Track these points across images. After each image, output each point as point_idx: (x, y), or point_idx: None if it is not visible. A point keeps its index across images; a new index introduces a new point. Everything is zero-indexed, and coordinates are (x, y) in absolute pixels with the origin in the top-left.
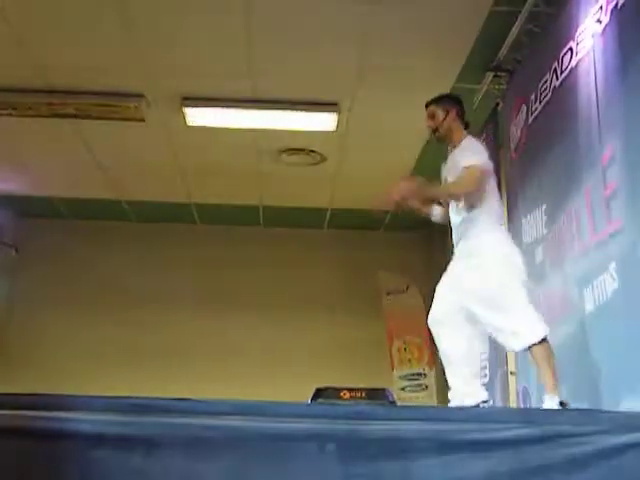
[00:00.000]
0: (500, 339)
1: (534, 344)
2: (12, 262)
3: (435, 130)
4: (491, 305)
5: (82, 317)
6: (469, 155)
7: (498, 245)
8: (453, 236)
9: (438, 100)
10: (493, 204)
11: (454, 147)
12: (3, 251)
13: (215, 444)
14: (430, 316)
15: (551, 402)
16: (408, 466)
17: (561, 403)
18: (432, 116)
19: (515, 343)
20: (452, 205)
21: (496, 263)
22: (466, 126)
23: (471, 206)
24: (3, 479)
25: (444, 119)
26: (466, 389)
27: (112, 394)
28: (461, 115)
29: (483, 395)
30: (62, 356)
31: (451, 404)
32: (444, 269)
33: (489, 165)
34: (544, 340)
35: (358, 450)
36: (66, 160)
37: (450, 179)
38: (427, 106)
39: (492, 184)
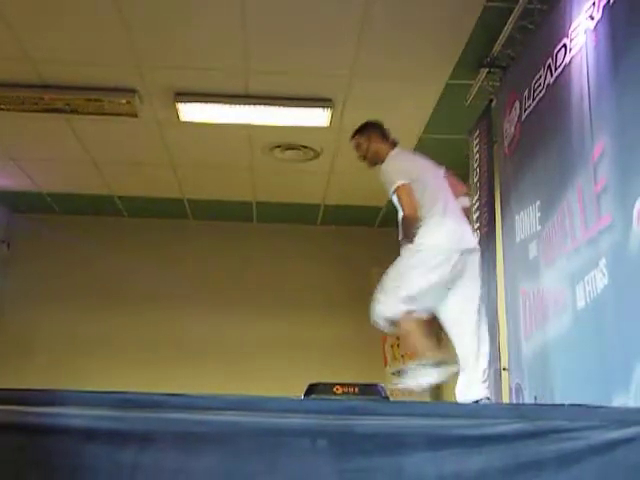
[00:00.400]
0: None
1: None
2: (4, 257)
3: (364, 158)
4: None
5: (74, 312)
6: (387, 182)
7: (422, 234)
8: None
9: (358, 131)
10: (426, 201)
11: None
12: None
13: (207, 439)
14: None
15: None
16: (401, 461)
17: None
18: (357, 147)
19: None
20: None
21: (409, 248)
22: (393, 144)
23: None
24: None
25: (368, 146)
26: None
27: (106, 389)
28: (383, 136)
29: (485, 392)
30: (55, 351)
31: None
32: None
33: (408, 174)
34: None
35: (351, 445)
36: (58, 155)
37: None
38: (352, 139)
39: (421, 184)
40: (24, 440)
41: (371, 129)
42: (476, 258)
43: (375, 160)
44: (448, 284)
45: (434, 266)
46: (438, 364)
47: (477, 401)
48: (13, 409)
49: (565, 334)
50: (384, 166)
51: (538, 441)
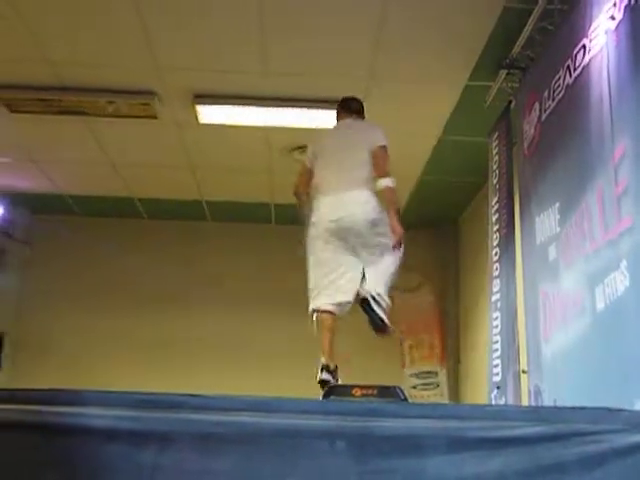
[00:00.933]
0: None
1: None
2: (25, 259)
3: None
4: None
5: (94, 313)
6: None
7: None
8: None
9: None
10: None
11: None
12: (17, 248)
13: (227, 440)
14: None
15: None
16: (420, 463)
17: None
18: None
19: None
20: None
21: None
22: (340, 116)
23: None
24: (15, 474)
25: None
26: None
27: (125, 388)
28: (339, 109)
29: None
30: (74, 351)
31: None
32: (456, 267)
33: (312, 151)
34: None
35: (370, 447)
36: (78, 157)
37: None
38: None
39: (322, 160)
40: (43, 440)
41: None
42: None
43: None
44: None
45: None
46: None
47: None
48: (33, 409)
49: (585, 336)
50: None
51: (560, 444)
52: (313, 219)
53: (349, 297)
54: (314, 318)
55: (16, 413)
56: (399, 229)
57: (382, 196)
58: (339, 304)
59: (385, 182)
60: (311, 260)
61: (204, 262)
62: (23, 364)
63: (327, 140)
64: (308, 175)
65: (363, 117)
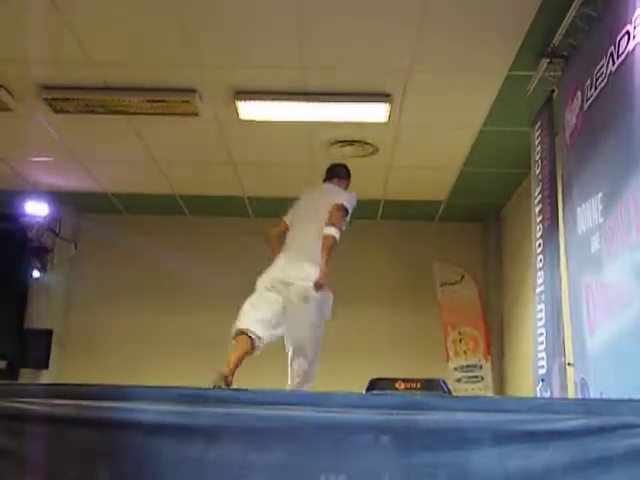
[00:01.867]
0: None
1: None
2: (71, 257)
3: None
4: None
5: (138, 309)
6: None
7: None
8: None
9: None
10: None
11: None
12: (63, 247)
13: (272, 434)
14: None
15: None
16: (466, 456)
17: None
18: None
19: None
20: None
21: None
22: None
23: None
24: (70, 466)
25: None
26: None
27: (171, 382)
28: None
29: None
30: (120, 348)
31: None
32: (499, 259)
33: (290, 211)
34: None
35: (414, 441)
36: (121, 156)
37: None
38: None
39: (294, 221)
40: (95, 434)
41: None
42: (296, 291)
43: None
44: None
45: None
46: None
47: None
48: (84, 404)
49: (632, 328)
50: None
51: (606, 437)
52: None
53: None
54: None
55: (67, 408)
56: (322, 277)
57: (323, 241)
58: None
59: (330, 230)
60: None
61: (246, 258)
62: (70, 361)
63: (301, 201)
64: (282, 227)
65: (345, 182)
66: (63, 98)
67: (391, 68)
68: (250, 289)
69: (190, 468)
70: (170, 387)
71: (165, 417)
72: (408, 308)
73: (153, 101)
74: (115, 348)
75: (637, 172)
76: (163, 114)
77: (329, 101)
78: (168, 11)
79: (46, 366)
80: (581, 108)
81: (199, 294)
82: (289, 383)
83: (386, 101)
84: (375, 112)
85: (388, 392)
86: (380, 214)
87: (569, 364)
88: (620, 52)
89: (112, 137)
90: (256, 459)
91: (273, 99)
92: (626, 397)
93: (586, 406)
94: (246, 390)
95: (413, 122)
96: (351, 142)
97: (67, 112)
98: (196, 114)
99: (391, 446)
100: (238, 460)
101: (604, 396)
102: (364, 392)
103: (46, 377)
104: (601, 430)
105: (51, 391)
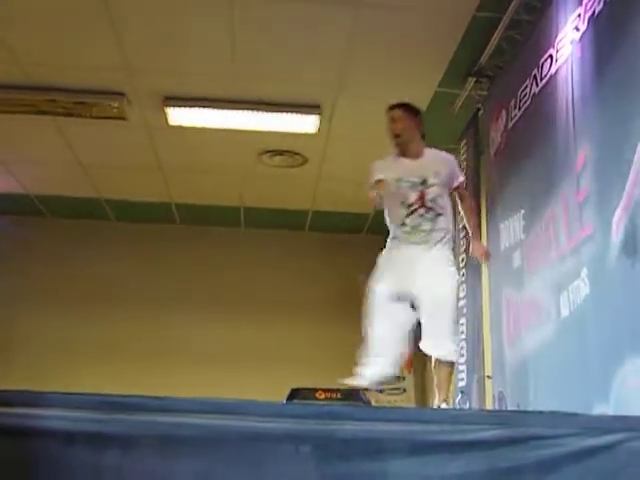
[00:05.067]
0: (432, 341)
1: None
2: None
3: (398, 135)
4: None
5: (58, 314)
6: (457, 172)
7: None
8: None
9: (405, 106)
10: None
11: (414, 156)
12: None
13: (190, 443)
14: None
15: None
16: (383, 467)
17: None
18: (398, 120)
19: (445, 352)
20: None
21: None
22: (423, 137)
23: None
24: None
25: (409, 126)
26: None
27: (92, 392)
28: (421, 127)
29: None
30: (36, 353)
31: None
32: None
33: None
34: None
35: (333, 450)
36: (46, 158)
37: (436, 180)
38: (392, 109)
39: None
40: (3, 442)
41: (417, 113)
42: None
43: (406, 144)
44: None
45: None
46: None
47: None
48: None
49: (549, 343)
50: (452, 157)
51: (518, 447)
52: None
53: None
54: None
55: None
56: None
57: None
58: None
59: None
60: None
61: (172, 265)
62: None
63: None
64: None
65: None
66: None
67: (321, 80)
68: (176, 296)
69: (106, 477)
70: (84, 394)
71: (79, 425)
72: (332, 319)
73: (80, 103)
74: (29, 352)
75: (556, 191)
76: (90, 117)
77: (259, 110)
78: (98, 13)
79: None
80: (505, 127)
81: (123, 300)
82: None
83: (316, 113)
84: (305, 123)
85: (308, 402)
86: (308, 225)
87: (488, 377)
88: (543, 75)
89: (37, 138)
90: (174, 468)
91: (203, 106)
92: (543, 410)
93: (500, 417)
94: (162, 397)
95: (342, 134)
96: (281, 152)
97: None
98: (124, 118)
99: (311, 456)
100: (155, 468)
101: (521, 408)
102: (285, 401)
103: None
104: (514, 441)
105: None
